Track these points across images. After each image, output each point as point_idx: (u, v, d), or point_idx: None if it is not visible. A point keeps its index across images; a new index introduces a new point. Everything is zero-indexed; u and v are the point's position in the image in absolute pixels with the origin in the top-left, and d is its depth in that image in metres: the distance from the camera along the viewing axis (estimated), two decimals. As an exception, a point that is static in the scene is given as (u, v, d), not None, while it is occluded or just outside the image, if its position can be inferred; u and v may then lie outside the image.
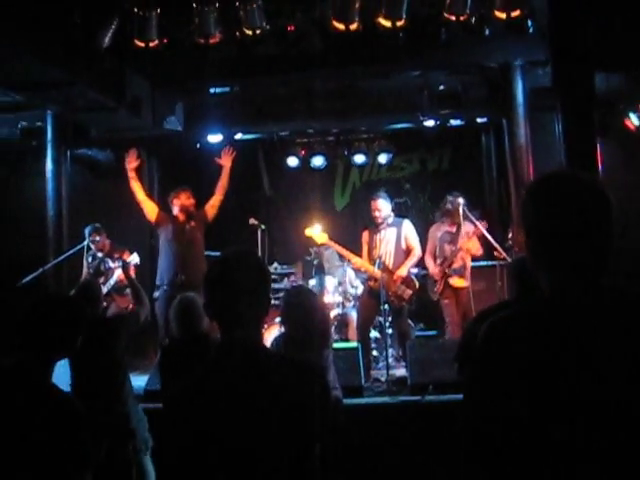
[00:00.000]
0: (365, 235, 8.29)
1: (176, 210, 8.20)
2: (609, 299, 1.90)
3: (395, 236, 8.15)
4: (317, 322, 5.42)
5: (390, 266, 8.06)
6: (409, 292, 8.02)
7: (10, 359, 2.91)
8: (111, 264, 8.53)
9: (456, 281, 8.22)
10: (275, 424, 2.28)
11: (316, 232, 8.48)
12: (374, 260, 8.01)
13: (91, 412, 2.85)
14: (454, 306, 8.23)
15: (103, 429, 3.85)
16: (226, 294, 2.44)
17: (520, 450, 1.82)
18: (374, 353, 8.55)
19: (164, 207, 8.43)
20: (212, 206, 8.27)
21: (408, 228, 8.22)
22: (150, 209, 8.37)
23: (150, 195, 8.85)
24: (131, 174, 8.26)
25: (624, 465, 1.78)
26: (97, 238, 8.76)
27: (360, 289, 8.95)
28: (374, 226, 8.18)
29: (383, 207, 8.13)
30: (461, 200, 8.18)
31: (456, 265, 8.22)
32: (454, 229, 8.30)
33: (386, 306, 7.96)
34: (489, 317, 1.98)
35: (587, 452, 1.78)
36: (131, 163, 8.28)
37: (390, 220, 8.20)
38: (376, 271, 7.88)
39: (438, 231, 8.43)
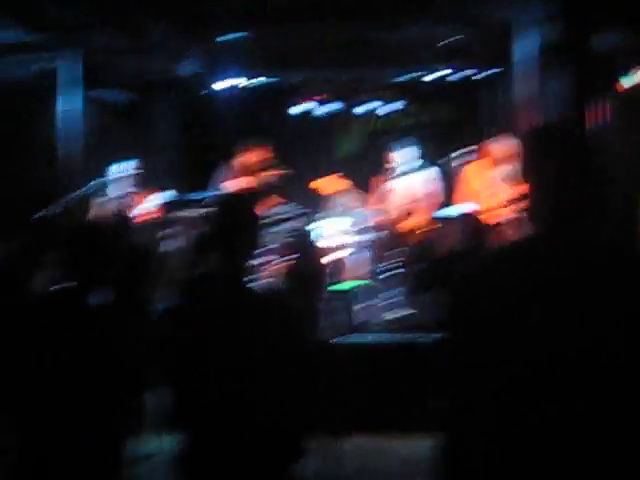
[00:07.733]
0: (380, 181, 8.34)
1: None
2: (583, 247, 1.94)
3: (411, 184, 8.21)
4: (310, 272, 5.87)
5: (409, 212, 8.10)
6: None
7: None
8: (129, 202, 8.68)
9: None
10: (247, 334, 2.73)
11: (334, 181, 8.72)
12: (388, 208, 8.16)
13: None
14: None
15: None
16: (213, 230, 2.89)
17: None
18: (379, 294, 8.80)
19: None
20: None
21: (424, 176, 8.25)
22: None
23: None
24: None
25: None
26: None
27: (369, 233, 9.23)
28: (390, 174, 8.26)
29: (397, 158, 8.25)
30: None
31: None
32: None
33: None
34: None
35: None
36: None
37: (406, 169, 8.26)
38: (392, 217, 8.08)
39: None
